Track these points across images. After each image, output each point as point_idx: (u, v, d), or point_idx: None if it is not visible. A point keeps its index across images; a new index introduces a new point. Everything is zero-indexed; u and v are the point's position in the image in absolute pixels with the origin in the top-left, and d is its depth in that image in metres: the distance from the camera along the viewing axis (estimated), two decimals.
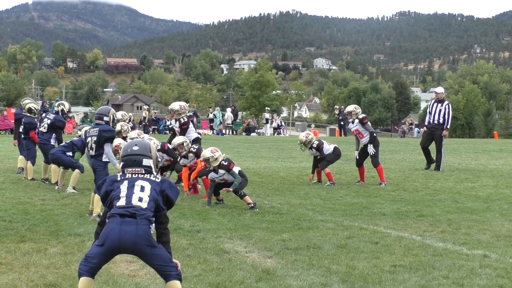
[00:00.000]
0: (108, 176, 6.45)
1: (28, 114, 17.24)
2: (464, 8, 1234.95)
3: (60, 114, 16.44)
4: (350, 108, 17.60)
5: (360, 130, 17.19)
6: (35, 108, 17.49)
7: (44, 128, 16.15)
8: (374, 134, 17.33)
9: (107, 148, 12.52)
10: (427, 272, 7.91)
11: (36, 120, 17.47)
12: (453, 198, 14.59)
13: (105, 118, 12.72)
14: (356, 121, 17.16)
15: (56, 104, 16.92)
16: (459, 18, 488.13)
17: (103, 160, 12.56)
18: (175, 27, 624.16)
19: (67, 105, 16.99)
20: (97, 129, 12.54)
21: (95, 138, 12.48)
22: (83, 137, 14.19)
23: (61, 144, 15.39)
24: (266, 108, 65.51)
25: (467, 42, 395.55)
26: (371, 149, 16.99)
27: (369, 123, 17.32)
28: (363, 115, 17.33)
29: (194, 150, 14.67)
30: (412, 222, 11.41)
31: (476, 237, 10.15)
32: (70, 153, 15.04)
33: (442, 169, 20.69)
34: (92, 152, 12.55)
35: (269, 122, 59.38)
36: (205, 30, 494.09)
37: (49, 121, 16.25)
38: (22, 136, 17.70)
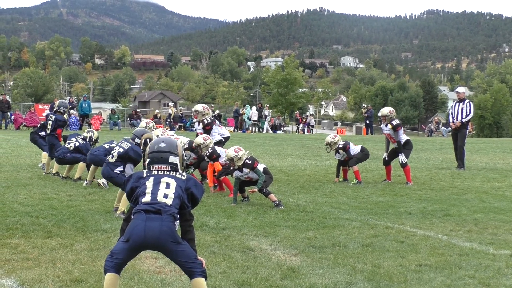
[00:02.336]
0: (134, 173, 6.47)
1: (61, 115, 18.32)
2: (493, 7, 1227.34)
3: (88, 141, 17.07)
4: (385, 111, 17.22)
5: (392, 135, 17.07)
6: (64, 105, 18.61)
7: (71, 147, 16.61)
8: (406, 140, 17.18)
9: (128, 169, 12.62)
10: (453, 272, 7.86)
11: (66, 118, 18.12)
12: (480, 197, 14.51)
13: (137, 140, 12.86)
14: (389, 126, 16.99)
15: (86, 131, 17.52)
16: (487, 17, 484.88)
17: (121, 172, 12.59)
18: (202, 24, 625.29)
19: (96, 133, 17.69)
20: (130, 146, 12.56)
21: (121, 150, 12.54)
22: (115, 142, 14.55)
23: (105, 148, 15.45)
24: (266, 104, 65.20)
25: (496, 41, 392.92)
26: (402, 158, 16.86)
27: (401, 130, 17.08)
28: (397, 121, 17.01)
29: (208, 154, 14.72)
30: (438, 222, 11.35)
31: (503, 237, 10.08)
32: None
33: (468, 168, 20.62)
34: (112, 160, 12.57)
35: (268, 118, 58.34)
36: (232, 27, 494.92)
37: (77, 143, 16.73)
38: (47, 132, 18.26)
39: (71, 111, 47.40)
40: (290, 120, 69.63)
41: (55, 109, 18.67)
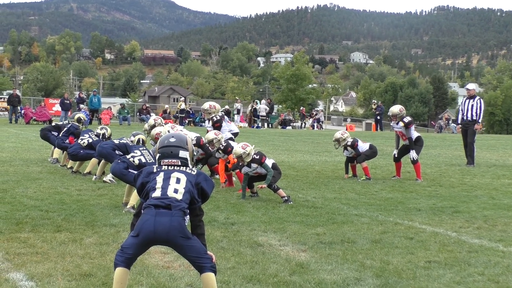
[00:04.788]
0: (144, 168, 6.48)
1: (77, 123, 18.58)
2: (504, 3, 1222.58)
3: (101, 137, 17.10)
4: (395, 110, 17.12)
5: (404, 132, 17.03)
6: (83, 119, 19.06)
7: (84, 143, 16.64)
8: (417, 137, 17.16)
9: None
10: (462, 269, 7.84)
11: (81, 130, 18.33)
12: (490, 194, 14.47)
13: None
14: (401, 124, 16.94)
15: (99, 128, 17.56)
16: (498, 13, 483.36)
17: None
18: (212, 19, 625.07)
19: (109, 130, 17.74)
20: (152, 160, 12.51)
21: (143, 159, 12.52)
22: (130, 143, 14.56)
23: (114, 143, 15.42)
24: (236, 98, 64.68)
25: (507, 38, 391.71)
26: (413, 154, 16.82)
27: (412, 127, 17.08)
28: (409, 118, 16.96)
29: (222, 147, 14.68)
30: (447, 218, 11.32)
31: None
32: (120, 152, 15.08)
33: (478, 165, 20.59)
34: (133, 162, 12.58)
35: (240, 113, 57.75)
36: (242, 22, 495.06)
37: (90, 140, 16.77)
38: (60, 134, 18.48)
39: (81, 105, 47.57)
40: (298, 116, 69.54)
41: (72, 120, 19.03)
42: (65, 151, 17.79)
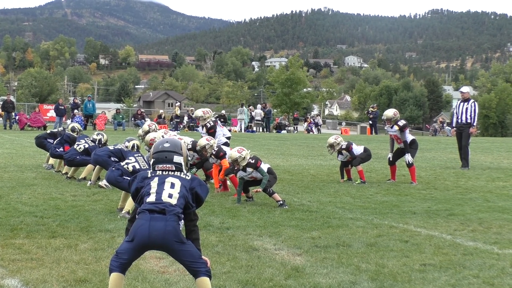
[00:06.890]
0: (138, 173, 6.48)
1: (71, 133, 18.35)
2: (498, 6, 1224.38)
3: (97, 143, 17.09)
4: (390, 114, 17.18)
5: (399, 136, 17.06)
6: (78, 128, 18.76)
7: (80, 149, 16.66)
8: (412, 140, 17.20)
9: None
10: (457, 271, 7.85)
11: (75, 138, 18.18)
12: (485, 197, 14.48)
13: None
14: (396, 127, 16.97)
15: (96, 134, 17.53)
16: (492, 16, 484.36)
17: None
18: (206, 24, 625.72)
19: (105, 136, 17.70)
20: (147, 167, 12.50)
21: (137, 166, 12.54)
22: (125, 148, 14.58)
23: (109, 149, 15.41)
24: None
25: (500, 41, 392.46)
26: (408, 158, 16.85)
27: (407, 130, 17.14)
28: (403, 122, 17.05)
29: (214, 152, 14.68)
30: (442, 221, 11.33)
31: (507, 236, 10.06)
32: (116, 159, 15.09)
33: (473, 168, 20.62)
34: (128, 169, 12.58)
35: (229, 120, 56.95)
36: (237, 27, 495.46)
37: (87, 145, 16.80)
38: (54, 142, 18.65)
39: (75, 111, 47.55)
40: (293, 120, 69.61)
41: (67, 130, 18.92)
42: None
